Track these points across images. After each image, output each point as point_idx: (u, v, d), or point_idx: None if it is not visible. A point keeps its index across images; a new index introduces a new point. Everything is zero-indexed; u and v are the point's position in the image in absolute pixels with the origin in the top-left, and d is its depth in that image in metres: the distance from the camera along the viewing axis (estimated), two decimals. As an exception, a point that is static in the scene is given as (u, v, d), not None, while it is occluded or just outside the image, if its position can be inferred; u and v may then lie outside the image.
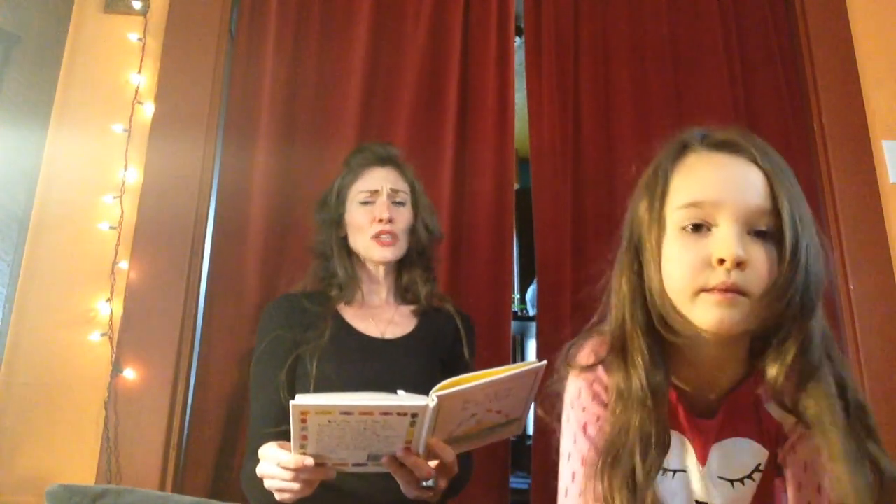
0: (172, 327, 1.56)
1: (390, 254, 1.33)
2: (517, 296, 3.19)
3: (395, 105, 1.80)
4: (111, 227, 1.60)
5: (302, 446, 0.90)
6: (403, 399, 0.91)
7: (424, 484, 0.98)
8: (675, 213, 0.72)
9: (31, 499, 1.43)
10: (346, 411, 0.85)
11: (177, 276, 1.59)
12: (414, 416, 0.88)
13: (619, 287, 0.76)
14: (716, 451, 0.75)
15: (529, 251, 1.85)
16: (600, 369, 0.76)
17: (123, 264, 1.59)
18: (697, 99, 1.87)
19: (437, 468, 0.98)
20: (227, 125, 1.76)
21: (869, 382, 1.63)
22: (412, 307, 1.40)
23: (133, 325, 1.55)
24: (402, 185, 1.38)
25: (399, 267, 1.41)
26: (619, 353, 0.74)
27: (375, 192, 1.34)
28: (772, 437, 0.76)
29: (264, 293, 1.64)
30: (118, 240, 1.60)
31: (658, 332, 0.72)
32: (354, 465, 0.95)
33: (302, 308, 1.33)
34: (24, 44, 1.67)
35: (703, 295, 0.68)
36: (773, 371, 0.67)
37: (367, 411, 0.86)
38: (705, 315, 0.68)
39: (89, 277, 1.58)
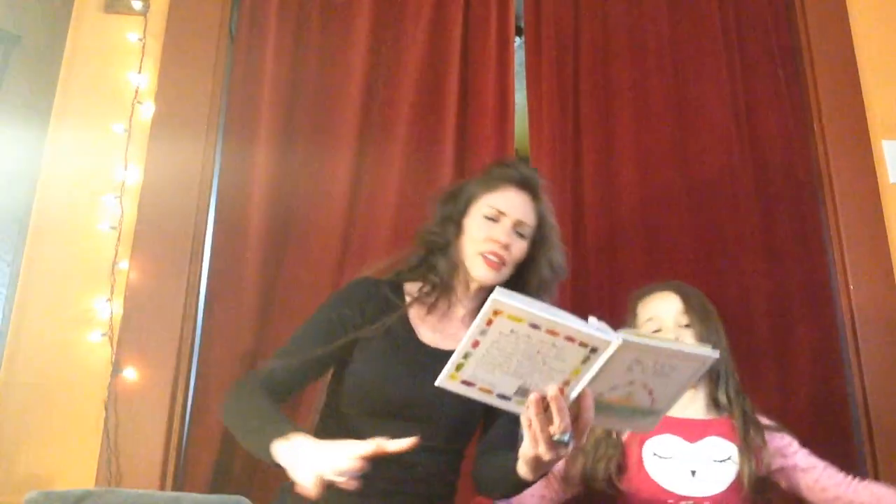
0: (172, 327, 1.56)
1: (493, 276, 1.24)
2: (517, 296, 3.18)
3: (395, 105, 1.80)
4: (111, 227, 1.61)
5: (465, 356, 0.87)
6: (592, 328, 0.87)
7: (557, 438, 0.91)
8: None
9: (31, 499, 1.44)
10: (535, 324, 0.84)
11: (177, 276, 1.59)
12: (593, 351, 0.86)
13: None
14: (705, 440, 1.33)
15: (529, 251, 1.84)
16: None
17: (123, 264, 1.59)
18: (697, 99, 1.86)
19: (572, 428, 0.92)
20: (227, 125, 1.76)
21: (869, 382, 1.62)
22: None
23: (133, 325, 1.55)
24: (531, 219, 1.29)
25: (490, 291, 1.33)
26: None
27: (502, 214, 1.26)
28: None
29: (264, 293, 1.64)
30: (118, 240, 1.60)
31: None
32: (499, 395, 0.92)
33: (381, 297, 1.27)
34: (24, 44, 1.67)
35: None
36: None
37: (553, 330, 0.85)
38: None
39: (89, 277, 1.58)
